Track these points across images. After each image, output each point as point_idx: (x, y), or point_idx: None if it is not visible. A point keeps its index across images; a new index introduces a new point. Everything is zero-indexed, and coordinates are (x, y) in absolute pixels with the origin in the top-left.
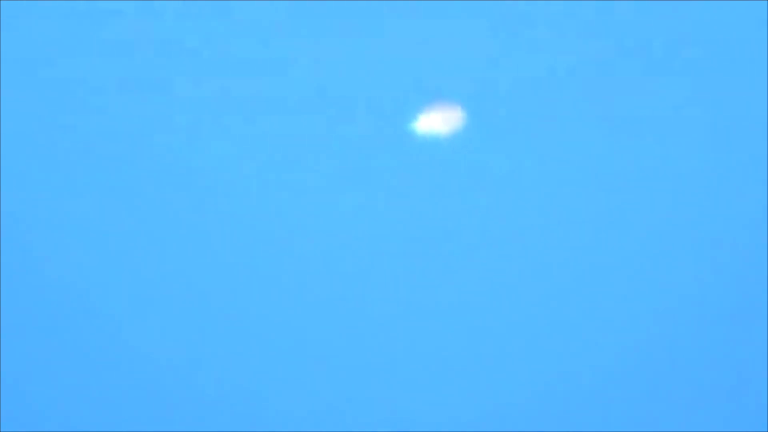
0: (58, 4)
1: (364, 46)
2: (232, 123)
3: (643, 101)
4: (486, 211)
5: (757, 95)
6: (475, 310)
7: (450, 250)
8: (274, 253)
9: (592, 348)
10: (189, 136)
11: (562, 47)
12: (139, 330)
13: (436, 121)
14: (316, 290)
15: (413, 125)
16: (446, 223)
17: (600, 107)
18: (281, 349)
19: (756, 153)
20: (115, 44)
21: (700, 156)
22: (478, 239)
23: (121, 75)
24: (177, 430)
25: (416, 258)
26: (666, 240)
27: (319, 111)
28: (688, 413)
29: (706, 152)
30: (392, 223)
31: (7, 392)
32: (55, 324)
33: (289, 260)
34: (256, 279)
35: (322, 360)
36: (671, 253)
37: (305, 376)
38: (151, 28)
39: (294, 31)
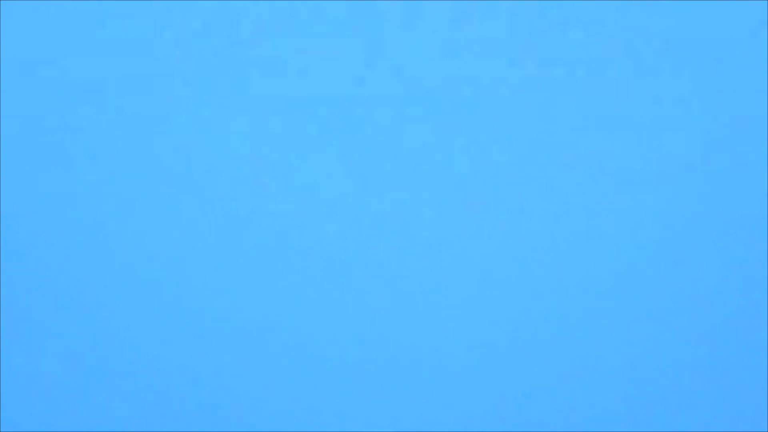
0: (58, 4)
1: (364, 45)
2: (235, 123)
3: (643, 101)
4: (485, 211)
5: (757, 95)
6: (474, 310)
7: (448, 250)
8: (275, 252)
9: (590, 348)
10: (187, 135)
11: (561, 47)
12: (138, 330)
13: None
14: (316, 290)
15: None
16: (445, 224)
17: (598, 106)
18: (280, 349)
19: (756, 153)
20: (115, 44)
21: (698, 155)
22: (476, 240)
23: (122, 75)
24: (177, 430)
25: (414, 257)
26: (665, 240)
27: (314, 111)
28: (687, 413)
29: (705, 151)
30: (390, 224)
31: (7, 392)
32: (55, 324)
33: (288, 260)
34: (258, 278)
35: (321, 359)
36: (670, 253)
37: (304, 375)
38: (152, 28)
39: (293, 31)
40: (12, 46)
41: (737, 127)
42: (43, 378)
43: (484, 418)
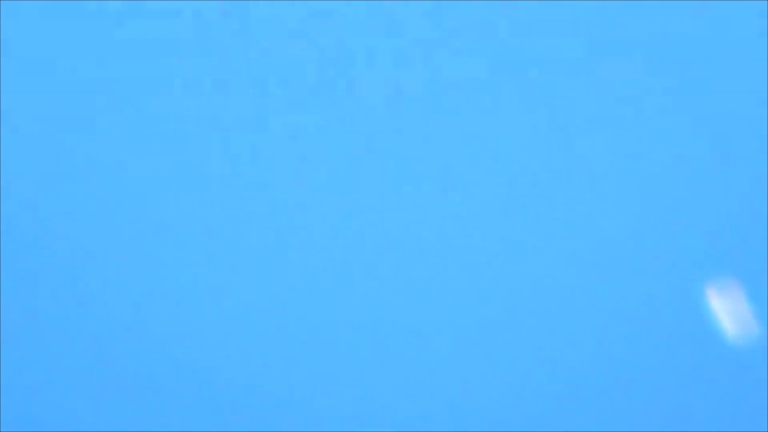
0: (58, 4)
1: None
2: (234, 122)
3: (642, 101)
4: (481, 211)
5: (758, 95)
6: (472, 308)
7: (444, 250)
8: (275, 252)
9: (590, 348)
10: (187, 135)
11: (562, 47)
12: (139, 330)
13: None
14: (316, 290)
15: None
16: (441, 224)
17: (597, 107)
18: (280, 347)
19: (756, 153)
20: (114, 44)
21: (698, 155)
22: (471, 240)
23: (121, 75)
24: (178, 430)
25: (413, 257)
26: (664, 240)
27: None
28: (687, 413)
29: (704, 152)
30: (386, 224)
31: (7, 392)
32: (55, 324)
33: (288, 259)
34: (258, 277)
35: (321, 358)
36: (670, 254)
37: (304, 375)
38: (152, 29)
39: (293, 31)
40: (12, 46)
41: (737, 127)
42: (44, 378)
43: (484, 418)
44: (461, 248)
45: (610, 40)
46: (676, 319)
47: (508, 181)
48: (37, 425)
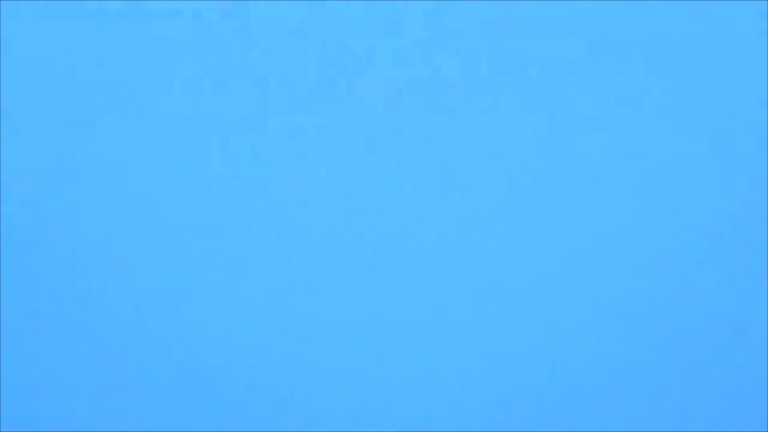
0: (58, 4)
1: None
2: (232, 124)
3: (641, 101)
4: (476, 212)
5: (757, 95)
6: (468, 306)
7: (440, 251)
8: (275, 252)
9: (590, 348)
10: (187, 135)
11: (562, 47)
12: (139, 330)
13: None
14: (312, 289)
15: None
16: (436, 225)
17: (596, 108)
18: (280, 348)
19: (756, 153)
20: (115, 44)
21: (697, 156)
22: (466, 241)
23: (121, 75)
24: (178, 430)
25: (409, 257)
26: (663, 241)
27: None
28: (687, 413)
29: (704, 152)
30: (381, 226)
31: (7, 392)
32: (56, 324)
33: (288, 261)
34: (257, 276)
35: (320, 356)
36: (669, 255)
37: (304, 376)
38: (152, 29)
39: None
40: (12, 46)
41: (737, 127)
42: (44, 378)
43: (484, 418)
44: (461, 248)
45: (610, 40)
46: (676, 319)
47: (507, 181)
48: (37, 425)
